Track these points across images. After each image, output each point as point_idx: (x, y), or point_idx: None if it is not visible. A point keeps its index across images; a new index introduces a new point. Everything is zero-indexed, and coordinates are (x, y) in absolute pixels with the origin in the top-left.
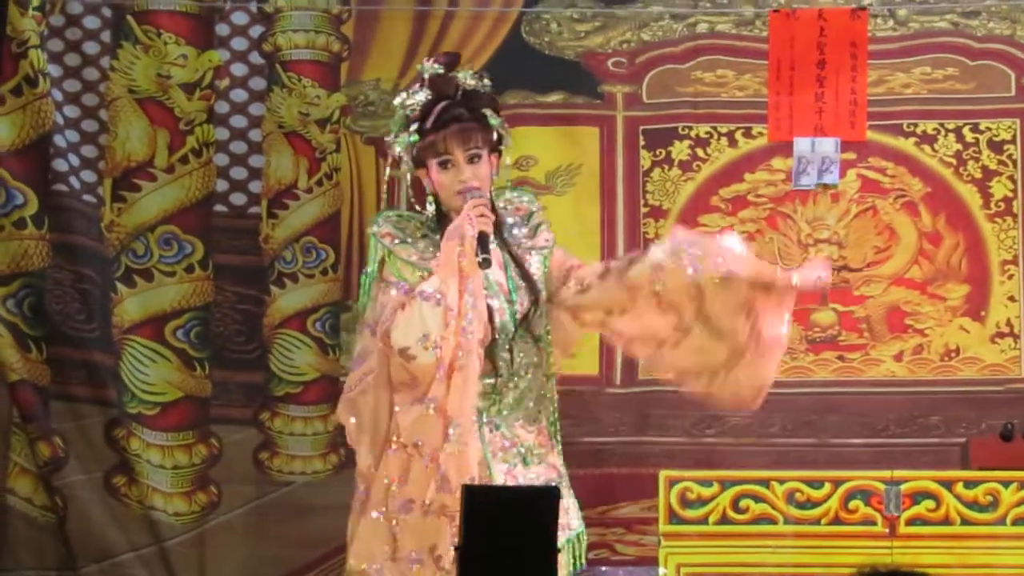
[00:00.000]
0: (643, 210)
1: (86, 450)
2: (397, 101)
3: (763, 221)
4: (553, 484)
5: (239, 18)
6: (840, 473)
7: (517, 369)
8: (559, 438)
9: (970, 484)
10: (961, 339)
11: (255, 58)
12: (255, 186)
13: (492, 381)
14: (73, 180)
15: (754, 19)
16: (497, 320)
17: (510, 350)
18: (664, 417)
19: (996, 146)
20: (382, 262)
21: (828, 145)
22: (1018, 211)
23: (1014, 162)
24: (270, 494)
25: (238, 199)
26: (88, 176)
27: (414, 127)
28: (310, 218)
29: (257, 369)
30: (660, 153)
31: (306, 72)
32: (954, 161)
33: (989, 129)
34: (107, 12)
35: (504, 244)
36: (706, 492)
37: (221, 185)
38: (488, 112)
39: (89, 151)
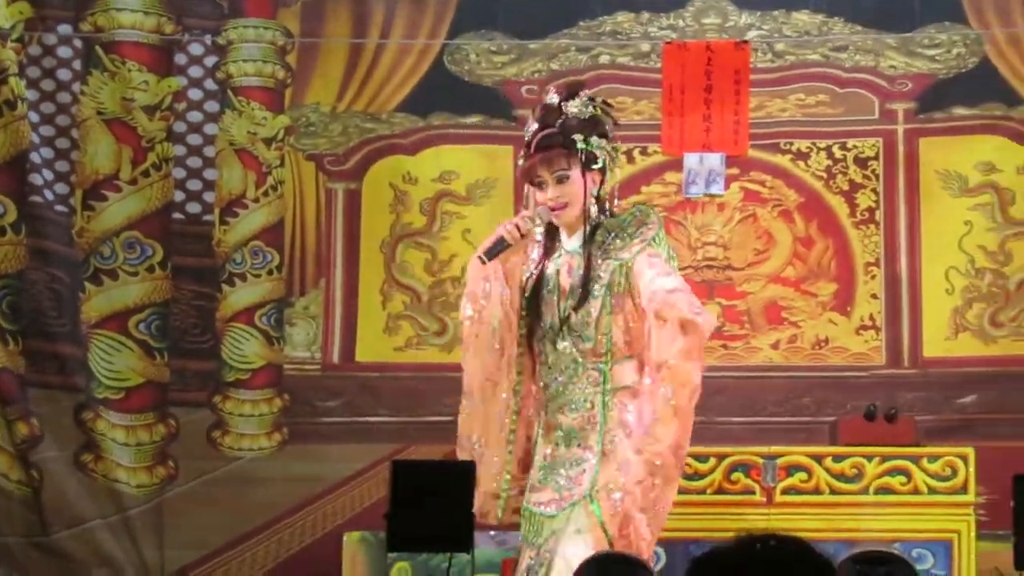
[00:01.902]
0: None
1: (58, 430)
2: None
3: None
4: (585, 457)
5: (195, 49)
6: (723, 448)
7: (555, 363)
8: (610, 418)
9: (838, 458)
10: (830, 331)
11: (209, 84)
12: (209, 196)
13: (540, 372)
14: (47, 192)
15: (650, 52)
16: (548, 318)
17: (553, 344)
18: None
19: (861, 162)
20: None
21: (714, 160)
22: (880, 219)
23: (877, 176)
24: (221, 468)
25: (193, 208)
26: (61, 188)
27: (523, 153)
28: (257, 225)
29: (210, 358)
30: None
31: (254, 96)
32: (825, 175)
33: (855, 147)
34: (78, 43)
35: (580, 250)
36: None
37: (178, 196)
38: (578, 137)
39: (62, 166)
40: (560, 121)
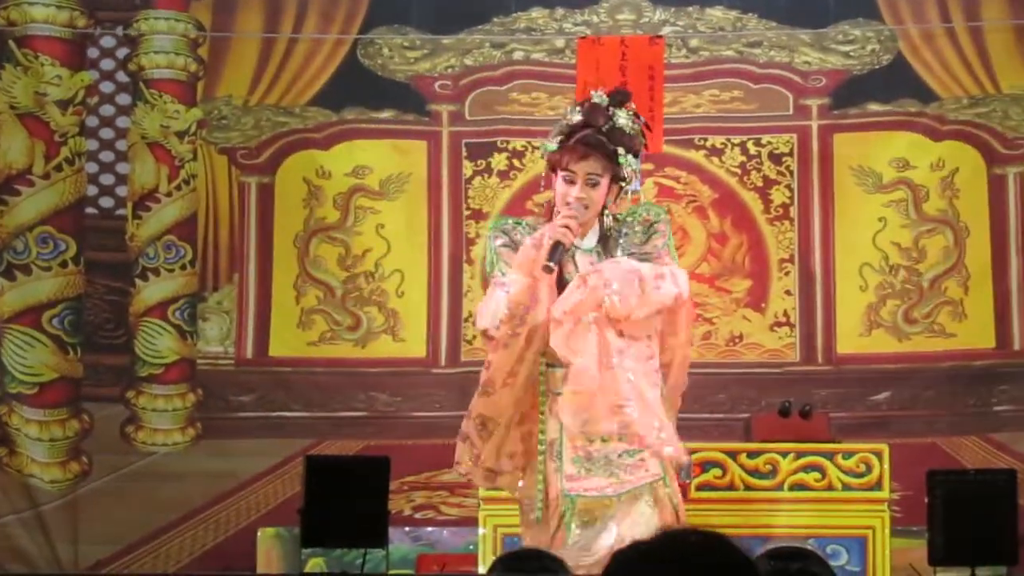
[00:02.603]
0: (465, 213)
1: None
2: (565, 110)
3: None
4: (635, 449)
5: (107, 42)
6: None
7: None
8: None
9: (752, 454)
10: (744, 327)
11: (121, 77)
12: (121, 191)
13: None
14: None
15: (564, 48)
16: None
17: None
18: None
19: (776, 158)
20: (492, 264)
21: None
22: (795, 216)
23: (791, 172)
24: (135, 463)
25: (106, 202)
26: None
27: (558, 139)
28: (170, 219)
29: (124, 353)
30: (481, 164)
31: (166, 89)
32: (739, 171)
33: (770, 143)
34: None
35: (607, 250)
36: None
37: (91, 190)
38: (620, 150)
39: None
40: (608, 127)
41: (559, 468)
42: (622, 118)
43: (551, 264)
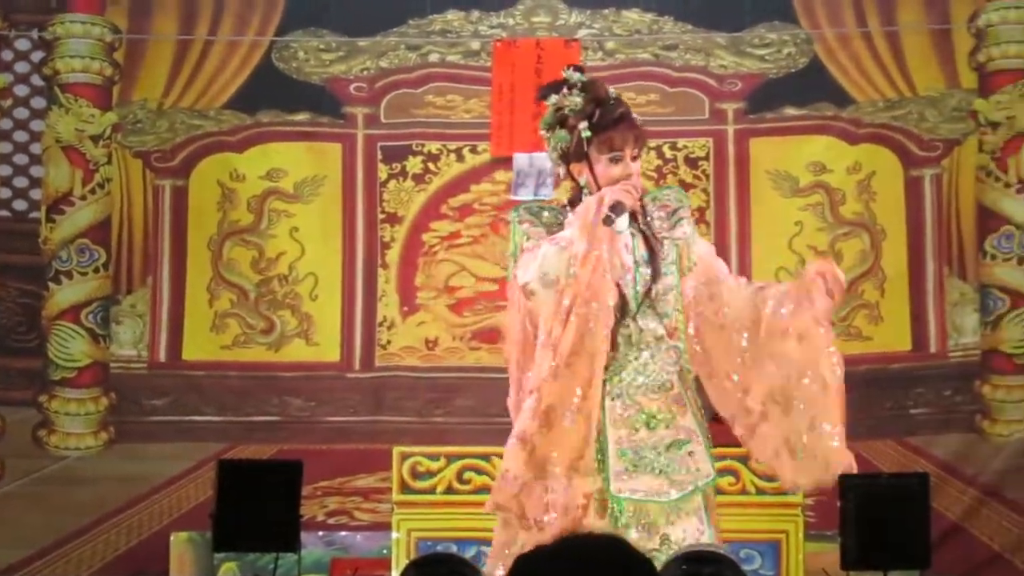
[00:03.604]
0: (380, 217)
1: None
2: (551, 101)
3: (487, 227)
4: (683, 440)
5: (22, 44)
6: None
7: (637, 343)
8: (691, 400)
9: None
10: None
11: (36, 80)
12: (35, 194)
13: (612, 354)
14: None
15: (480, 51)
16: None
17: (630, 325)
18: (398, 399)
19: (692, 162)
20: (517, 246)
21: (544, 160)
22: (711, 220)
23: (707, 176)
24: (48, 467)
25: (20, 205)
26: None
27: (584, 124)
28: (84, 223)
29: (36, 356)
30: (396, 167)
31: (82, 93)
32: (655, 175)
33: (686, 147)
34: None
35: (639, 229)
36: (434, 465)
37: (4, 192)
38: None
39: None
40: (613, 99)
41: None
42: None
43: (612, 216)
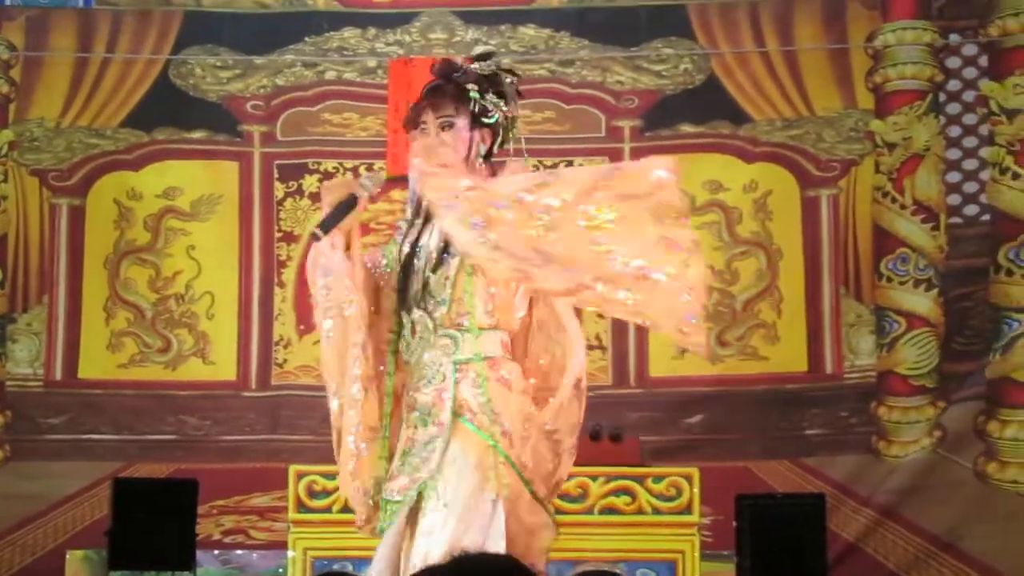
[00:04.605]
0: (277, 235)
1: None
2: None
3: (383, 246)
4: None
5: None
6: None
7: (414, 335)
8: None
9: None
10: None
11: None
12: None
13: (405, 346)
14: None
15: (376, 68)
16: (413, 287)
17: (406, 317)
18: (294, 417)
19: None
20: None
21: None
22: None
23: None
24: None
25: None
26: None
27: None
28: None
29: None
30: (292, 185)
31: None
32: None
33: (582, 165)
34: None
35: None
36: (330, 484)
37: None
38: (472, 87)
39: None
40: (458, 75)
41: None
42: (475, 66)
43: (320, 231)
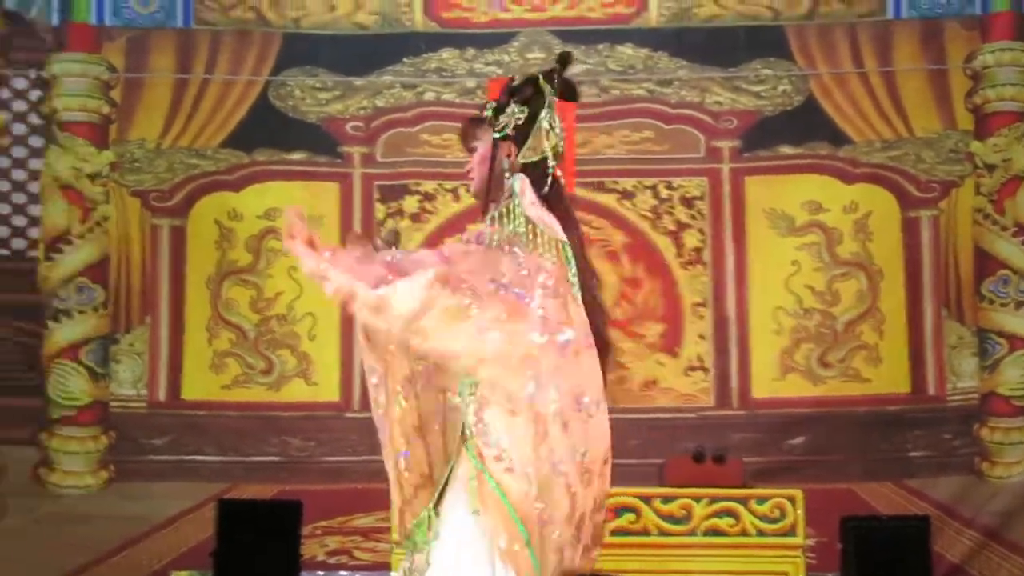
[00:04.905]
0: None
1: None
2: None
3: None
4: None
5: (19, 83)
6: None
7: None
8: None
9: (666, 500)
10: (658, 372)
11: (33, 119)
12: (33, 232)
13: None
14: None
15: (475, 88)
16: None
17: None
18: None
19: (688, 202)
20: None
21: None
22: (707, 260)
23: (703, 216)
24: (48, 505)
25: (18, 244)
26: None
27: None
28: (82, 261)
29: (36, 395)
30: (393, 206)
31: (79, 132)
32: (651, 215)
33: (682, 186)
34: None
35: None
36: None
37: (3, 231)
38: (489, 106)
39: None
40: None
41: None
42: (515, 81)
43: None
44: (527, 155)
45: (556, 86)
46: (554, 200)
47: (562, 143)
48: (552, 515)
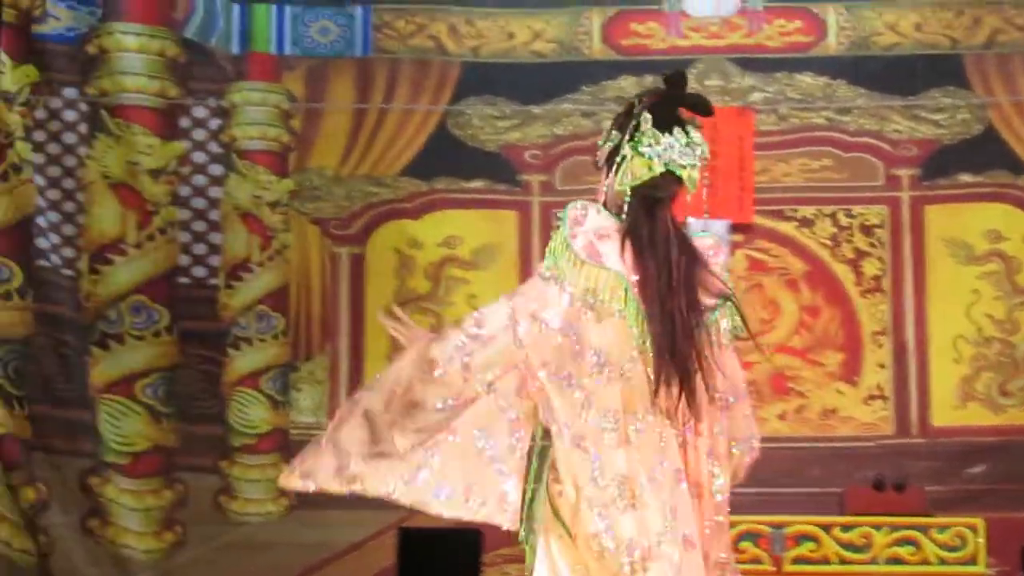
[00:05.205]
0: None
1: (65, 496)
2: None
3: None
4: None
5: (200, 112)
6: (731, 518)
7: None
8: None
9: (847, 528)
10: (837, 401)
11: (214, 147)
12: (214, 260)
13: None
14: (54, 256)
15: None
16: None
17: None
18: None
19: (867, 229)
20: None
21: (719, 227)
22: (887, 288)
23: (883, 244)
24: (229, 533)
25: (199, 271)
26: (68, 252)
27: None
28: (262, 289)
29: (217, 423)
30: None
31: (259, 160)
32: (830, 243)
33: (861, 214)
34: (84, 106)
35: None
36: None
37: (184, 259)
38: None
39: (69, 229)
40: None
41: None
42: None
43: None
44: (623, 180)
45: (658, 107)
46: (639, 224)
47: (673, 163)
48: None
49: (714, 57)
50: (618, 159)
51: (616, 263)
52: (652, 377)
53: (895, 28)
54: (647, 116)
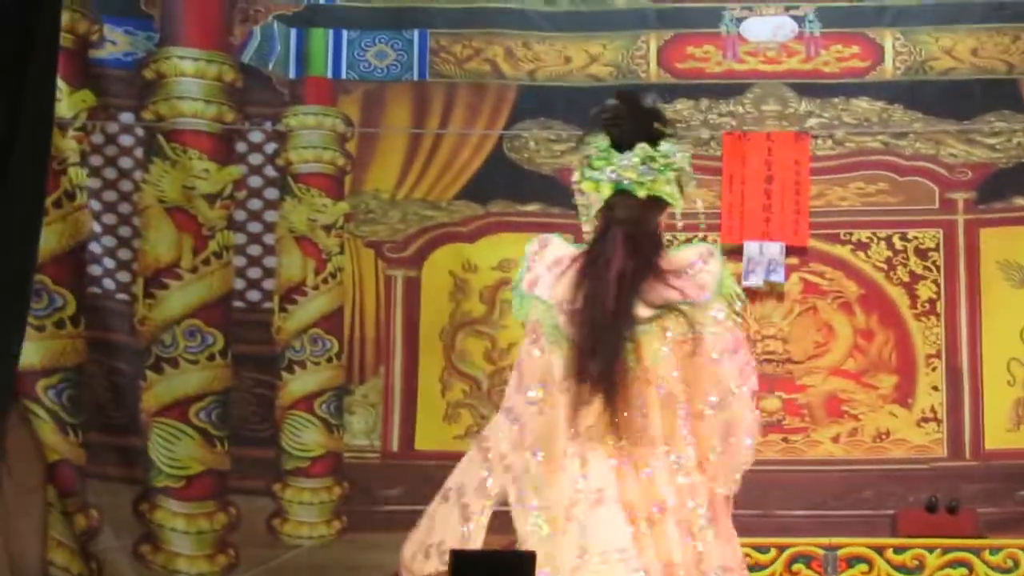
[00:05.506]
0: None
1: (117, 521)
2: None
3: None
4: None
5: (255, 136)
6: (784, 540)
7: None
8: None
9: (899, 550)
10: (891, 423)
11: (269, 171)
12: (268, 284)
13: None
14: (107, 282)
15: (709, 140)
16: None
17: None
18: None
19: (922, 253)
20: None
21: (774, 249)
22: (941, 311)
23: (938, 268)
24: (281, 556)
25: (253, 295)
26: (123, 276)
27: None
28: (316, 312)
29: (270, 446)
30: None
31: (314, 183)
32: (885, 266)
33: (916, 238)
34: (140, 131)
35: None
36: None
37: (239, 283)
38: None
39: (124, 254)
40: None
41: None
42: None
43: None
44: (584, 206)
45: (615, 126)
46: (591, 248)
47: (626, 181)
48: None
49: (771, 82)
50: (577, 187)
51: (547, 292)
52: (571, 401)
53: (951, 53)
54: (598, 139)
